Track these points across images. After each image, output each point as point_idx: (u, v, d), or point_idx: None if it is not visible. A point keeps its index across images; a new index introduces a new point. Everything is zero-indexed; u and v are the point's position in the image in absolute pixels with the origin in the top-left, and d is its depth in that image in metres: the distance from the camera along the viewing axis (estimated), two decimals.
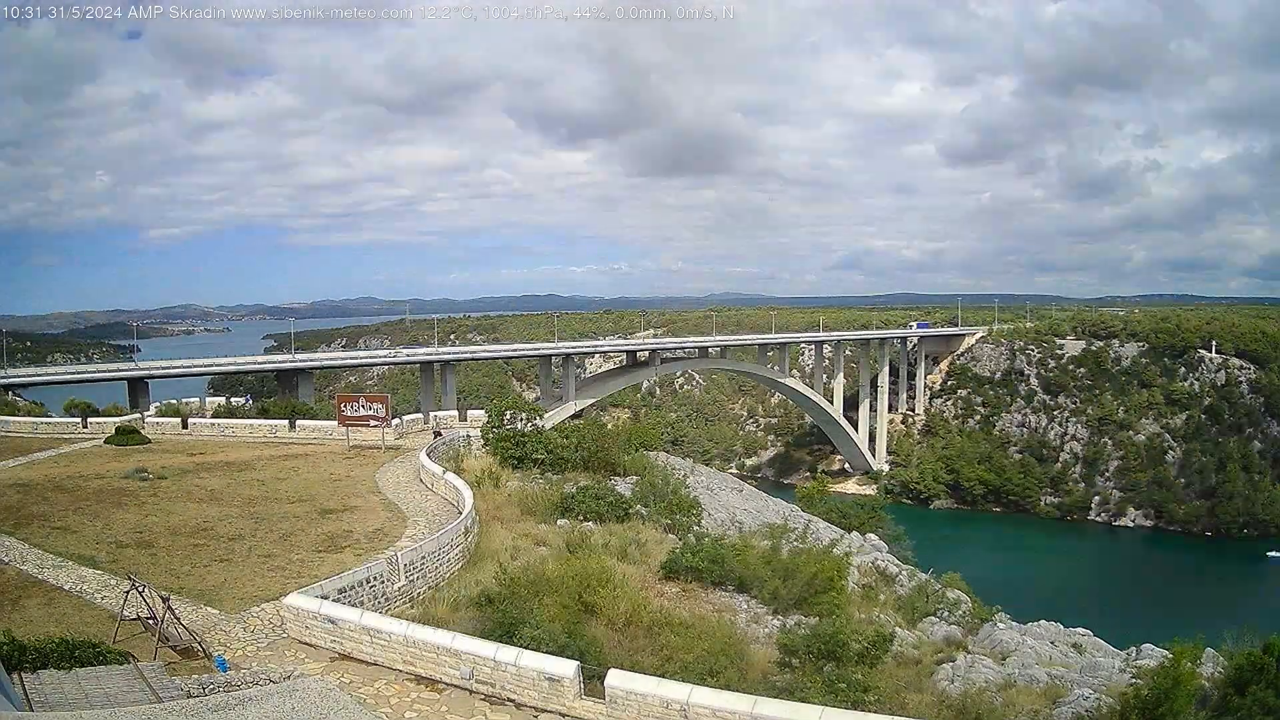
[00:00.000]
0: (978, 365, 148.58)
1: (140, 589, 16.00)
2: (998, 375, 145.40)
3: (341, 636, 15.43)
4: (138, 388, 76.47)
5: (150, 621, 15.64)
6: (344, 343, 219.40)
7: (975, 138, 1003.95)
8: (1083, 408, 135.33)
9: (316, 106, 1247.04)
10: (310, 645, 15.73)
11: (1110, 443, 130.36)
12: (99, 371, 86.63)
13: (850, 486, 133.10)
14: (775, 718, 11.47)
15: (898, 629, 22.57)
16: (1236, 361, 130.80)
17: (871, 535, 39.61)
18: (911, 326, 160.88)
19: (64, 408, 53.63)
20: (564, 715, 13.11)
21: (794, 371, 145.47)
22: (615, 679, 12.77)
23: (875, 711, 13.00)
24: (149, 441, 40.19)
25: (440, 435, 40.57)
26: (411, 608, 18.59)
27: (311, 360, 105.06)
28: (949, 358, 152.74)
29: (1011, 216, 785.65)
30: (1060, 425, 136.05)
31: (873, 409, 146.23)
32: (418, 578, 19.58)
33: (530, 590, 18.26)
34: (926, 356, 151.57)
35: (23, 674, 11.97)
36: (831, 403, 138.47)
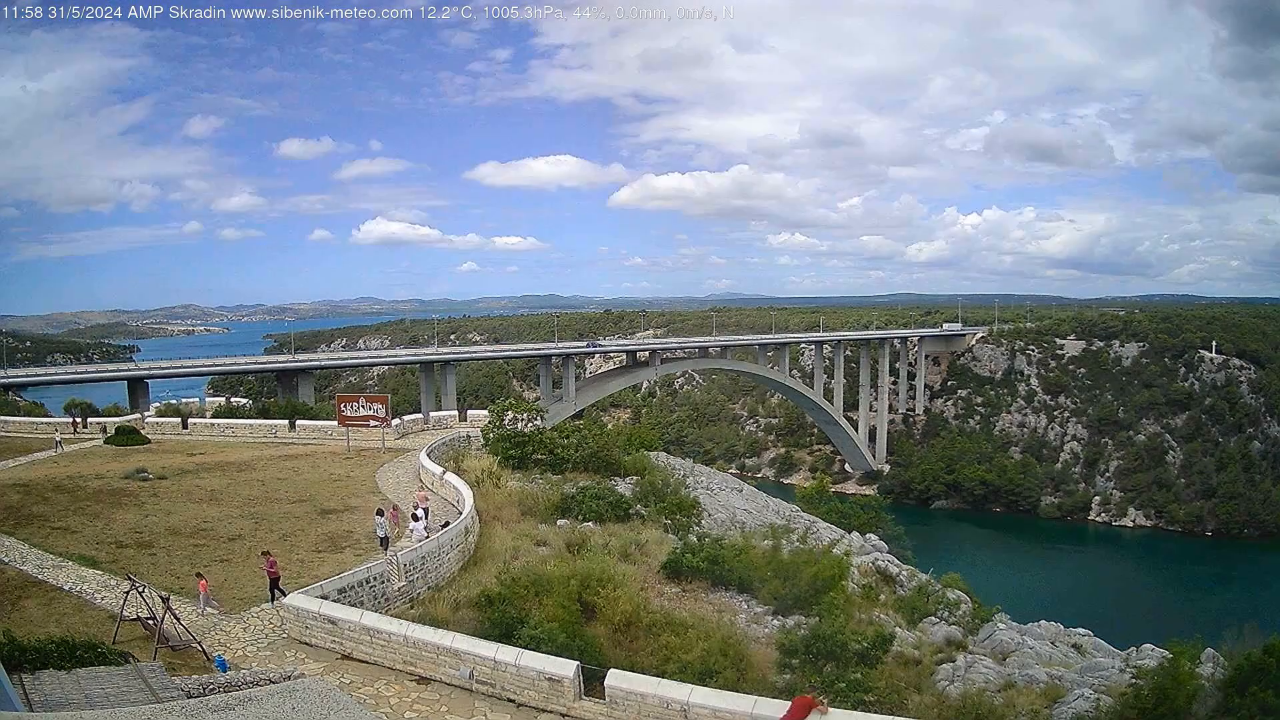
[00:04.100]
0: (978, 365, 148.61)
1: (140, 589, 16.00)
2: (998, 375, 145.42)
3: (341, 637, 15.43)
4: (138, 388, 76.51)
5: (150, 621, 15.64)
6: (344, 343, 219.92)
7: None
8: (1083, 408, 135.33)
9: None
10: (310, 645, 15.73)
11: (1110, 443, 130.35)
12: (99, 371, 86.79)
13: (850, 486, 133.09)
14: (775, 718, 11.47)
15: (898, 629, 22.55)
16: (1237, 361, 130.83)
17: (871, 535, 39.56)
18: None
19: (64, 408, 53.65)
20: (564, 715, 13.11)
21: (794, 372, 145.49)
22: (615, 679, 12.77)
23: (875, 712, 13.00)
24: (149, 442, 40.19)
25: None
26: (411, 608, 18.59)
27: (311, 360, 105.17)
28: (949, 358, 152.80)
29: None
30: (1060, 425, 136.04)
31: (873, 409, 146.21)
32: (418, 578, 19.58)
33: (531, 590, 18.26)
34: (926, 356, 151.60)
35: (23, 674, 11.96)
36: (831, 403, 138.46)
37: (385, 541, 22.10)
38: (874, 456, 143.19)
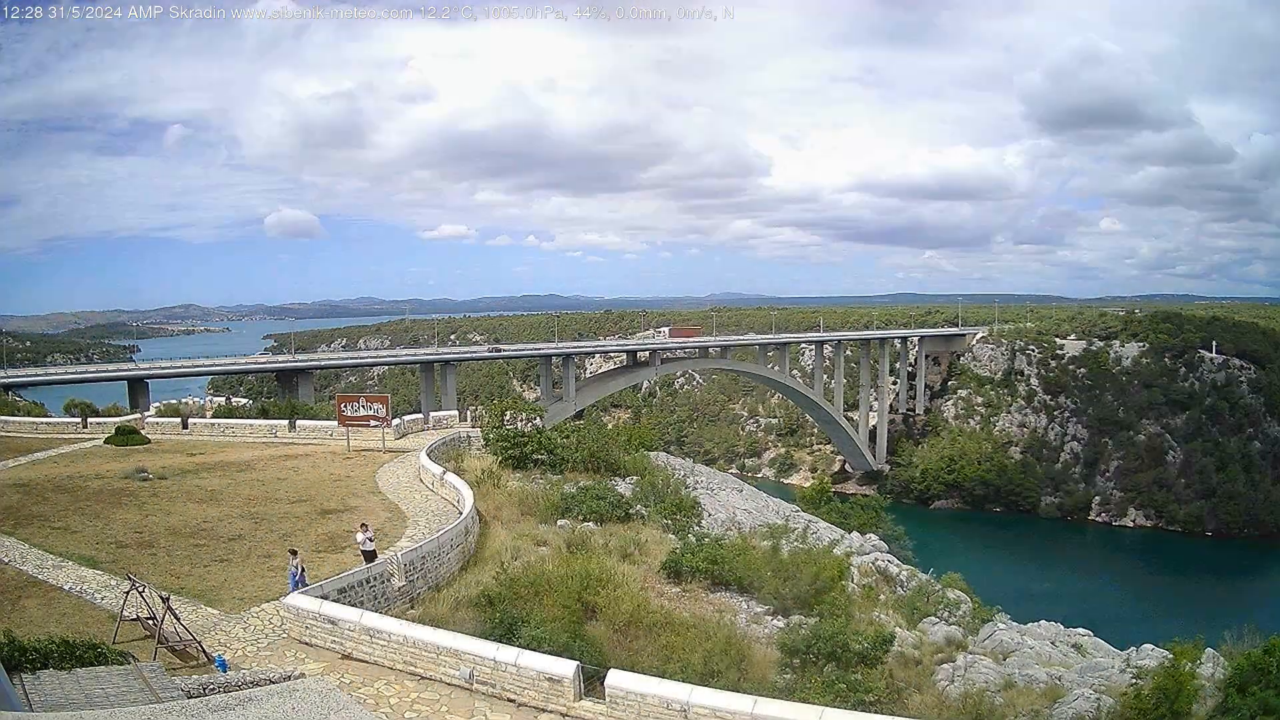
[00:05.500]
0: (978, 365, 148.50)
1: (140, 589, 15.99)
2: (998, 375, 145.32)
3: (342, 637, 15.42)
4: (138, 388, 76.61)
5: (150, 621, 15.63)
6: (344, 343, 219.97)
7: None
8: (1083, 408, 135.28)
9: None
10: (310, 645, 15.73)
11: (1111, 443, 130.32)
12: (99, 371, 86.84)
13: (850, 486, 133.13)
14: (775, 718, 11.47)
15: (898, 629, 22.54)
16: (1237, 361, 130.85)
17: (872, 535, 39.53)
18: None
19: (64, 408, 53.61)
20: (564, 715, 13.10)
21: (794, 371, 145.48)
22: (615, 679, 12.77)
23: (875, 712, 13.00)
24: (149, 442, 40.14)
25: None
26: (412, 608, 18.59)
27: (311, 360, 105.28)
28: (949, 358, 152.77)
29: None
30: (1060, 425, 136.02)
31: (873, 409, 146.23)
32: (418, 578, 19.57)
33: (531, 590, 18.25)
34: (927, 356, 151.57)
35: (23, 674, 11.96)
36: (832, 403, 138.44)
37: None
38: (874, 456, 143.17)
